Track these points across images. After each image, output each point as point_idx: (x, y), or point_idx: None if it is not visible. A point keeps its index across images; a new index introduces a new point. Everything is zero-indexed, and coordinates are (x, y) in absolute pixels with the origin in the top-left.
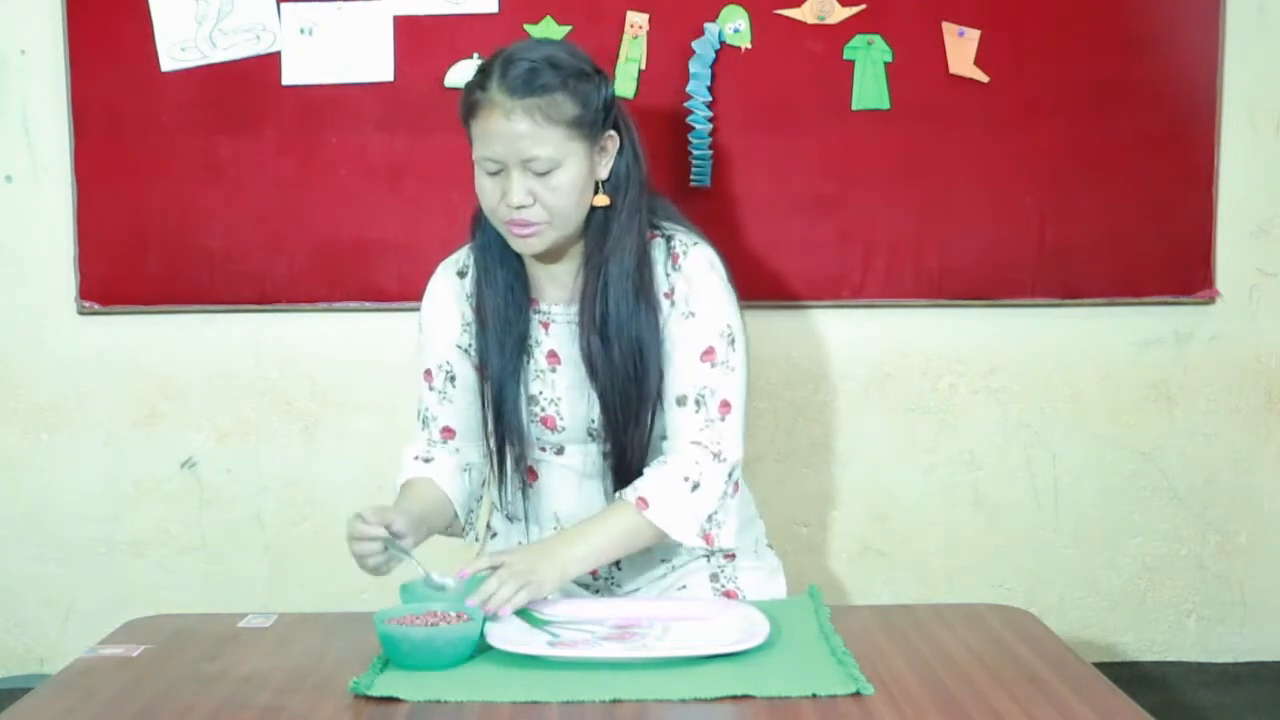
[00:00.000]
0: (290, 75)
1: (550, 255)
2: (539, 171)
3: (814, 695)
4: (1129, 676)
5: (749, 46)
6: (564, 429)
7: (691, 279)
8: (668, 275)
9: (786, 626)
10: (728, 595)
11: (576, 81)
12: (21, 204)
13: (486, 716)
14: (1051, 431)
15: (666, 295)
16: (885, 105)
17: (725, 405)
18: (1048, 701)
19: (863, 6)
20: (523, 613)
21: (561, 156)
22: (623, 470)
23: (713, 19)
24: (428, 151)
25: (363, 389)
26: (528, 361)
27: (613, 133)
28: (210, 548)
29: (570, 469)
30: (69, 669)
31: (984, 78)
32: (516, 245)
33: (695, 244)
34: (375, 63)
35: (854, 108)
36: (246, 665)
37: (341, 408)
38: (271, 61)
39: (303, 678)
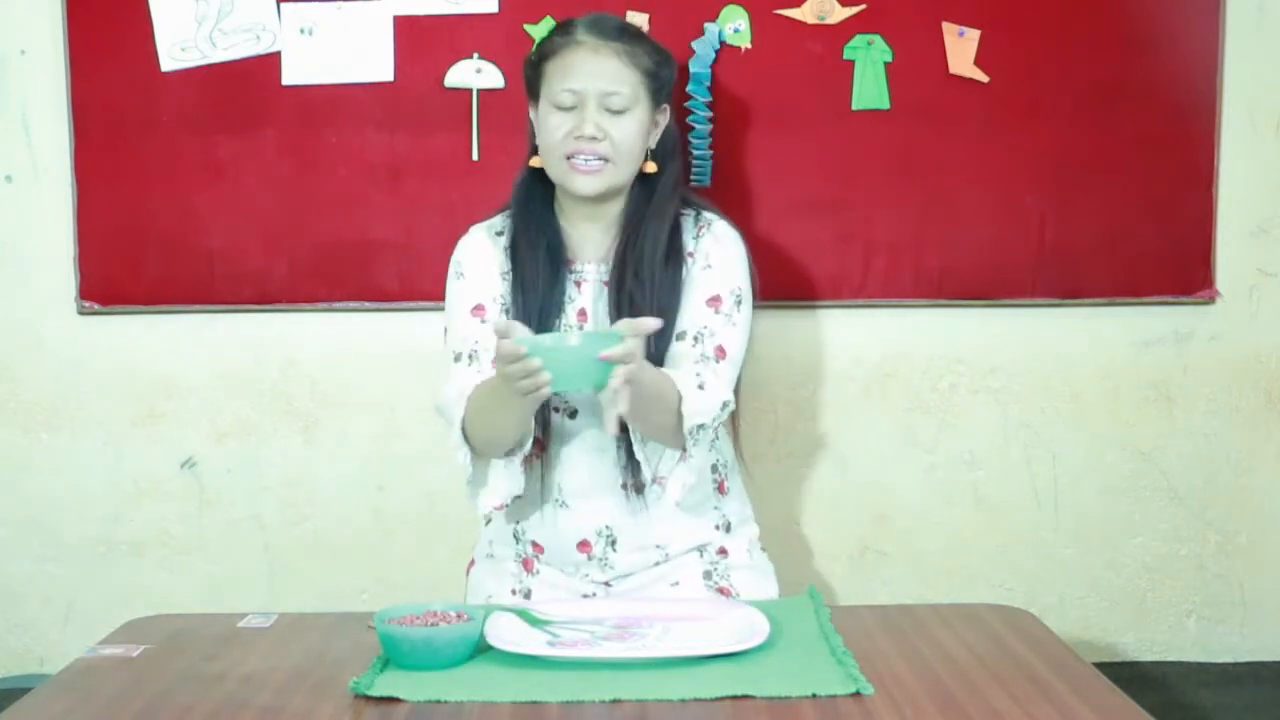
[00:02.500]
0: (290, 75)
1: (588, 214)
2: (613, 109)
3: (814, 695)
4: (1129, 676)
5: (749, 46)
6: (581, 389)
7: (713, 243)
8: (694, 239)
9: (786, 626)
10: (721, 592)
11: (652, 45)
12: (21, 204)
13: (486, 716)
14: (1051, 431)
15: (689, 254)
16: (885, 105)
17: (720, 350)
18: (1048, 701)
19: (863, 6)
20: (522, 613)
21: (633, 102)
22: (622, 433)
23: (713, 19)
24: (428, 151)
25: (363, 389)
26: (559, 318)
27: (666, 107)
28: (210, 548)
29: (581, 439)
30: (69, 669)
31: (984, 78)
32: (575, 182)
33: (721, 219)
34: (375, 63)
35: (854, 108)
36: (246, 665)
37: (341, 408)
38: (271, 61)
39: (303, 678)
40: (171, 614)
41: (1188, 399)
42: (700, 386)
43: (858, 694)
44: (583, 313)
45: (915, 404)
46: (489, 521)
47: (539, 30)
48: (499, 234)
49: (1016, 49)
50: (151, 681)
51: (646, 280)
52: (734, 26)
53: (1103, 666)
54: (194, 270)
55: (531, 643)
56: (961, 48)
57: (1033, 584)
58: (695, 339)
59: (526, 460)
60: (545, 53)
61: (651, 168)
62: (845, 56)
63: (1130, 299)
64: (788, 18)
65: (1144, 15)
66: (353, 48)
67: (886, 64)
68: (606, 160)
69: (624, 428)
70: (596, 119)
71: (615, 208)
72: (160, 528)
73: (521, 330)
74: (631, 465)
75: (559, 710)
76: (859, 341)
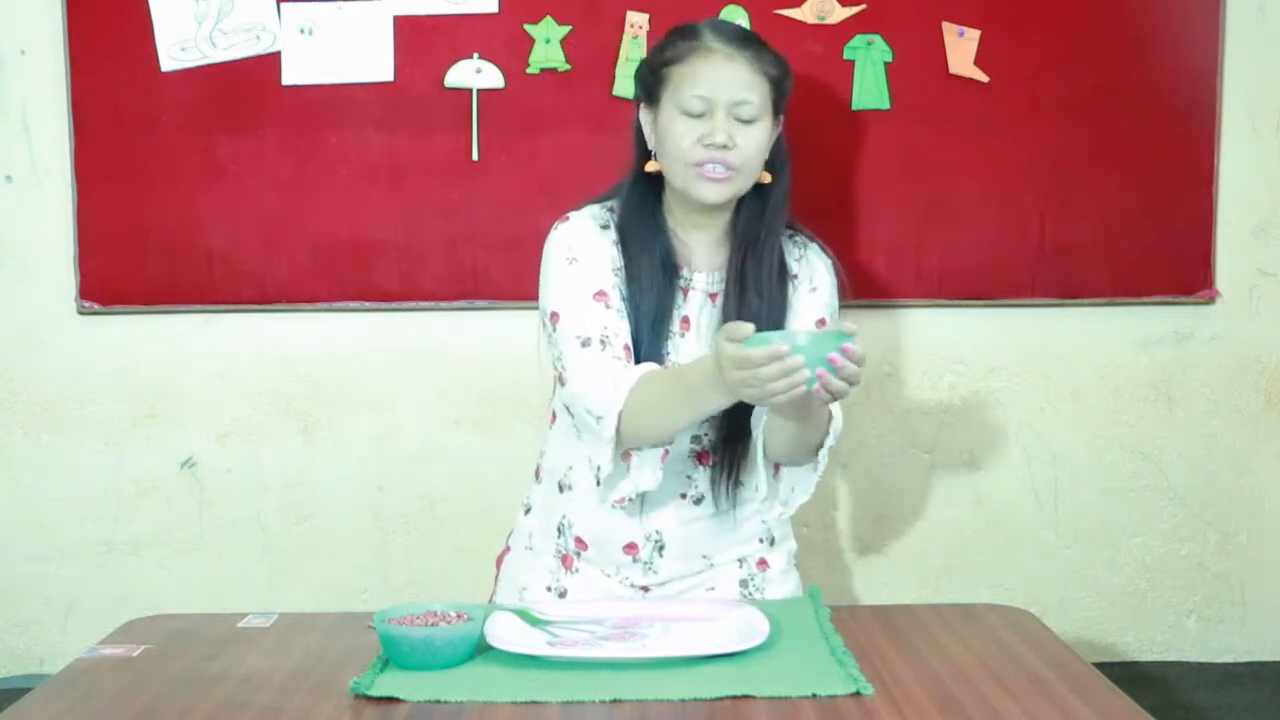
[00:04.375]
0: (290, 75)
1: (699, 222)
2: (743, 118)
3: (814, 695)
4: (1129, 676)
5: None
6: None
7: (816, 266)
8: (796, 261)
9: (786, 626)
10: None
11: (775, 54)
12: (21, 204)
13: (486, 716)
14: (1051, 431)
15: (794, 276)
16: (885, 105)
17: None
18: (1048, 701)
19: (863, 6)
20: (522, 613)
21: (762, 112)
22: (725, 450)
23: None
24: (428, 151)
25: (363, 389)
26: (668, 324)
27: (781, 118)
28: (210, 548)
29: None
30: (69, 669)
31: (984, 78)
32: (701, 190)
33: (814, 241)
34: (375, 63)
35: (854, 108)
36: (246, 665)
37: (341, 408)
38: (271, 61)
39: (303, 678)
40: (171, 614)
41: (1188, 399)
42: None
43: (858, 694)
44: (686, 320)
45: (915, 404)
46: (529, 511)
47: (539, 30)
48: (604, 227)
49: (1016, 49)
50: (151, 681)
51: (765, 295)
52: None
53: (1103, 666)
54: (194, 270)
55: (531, 643)
56: (961, 48)
57: (1033, 584)
58: None
59: None
60: (670, 58)
61: (766, 178)
62: (845, 56)
63: (1130, 299)
64: (788, 18)
65: (1144, 16)
66: (353, 48)
67: (886, 64)
68: (733, 169)
69: (714, 446)
70: (727, 127)
71: (726, 218)
72: (160, 528)
73: (748, 329)
74: (707, 476)
75: (559, 710)
76: (859, 341)
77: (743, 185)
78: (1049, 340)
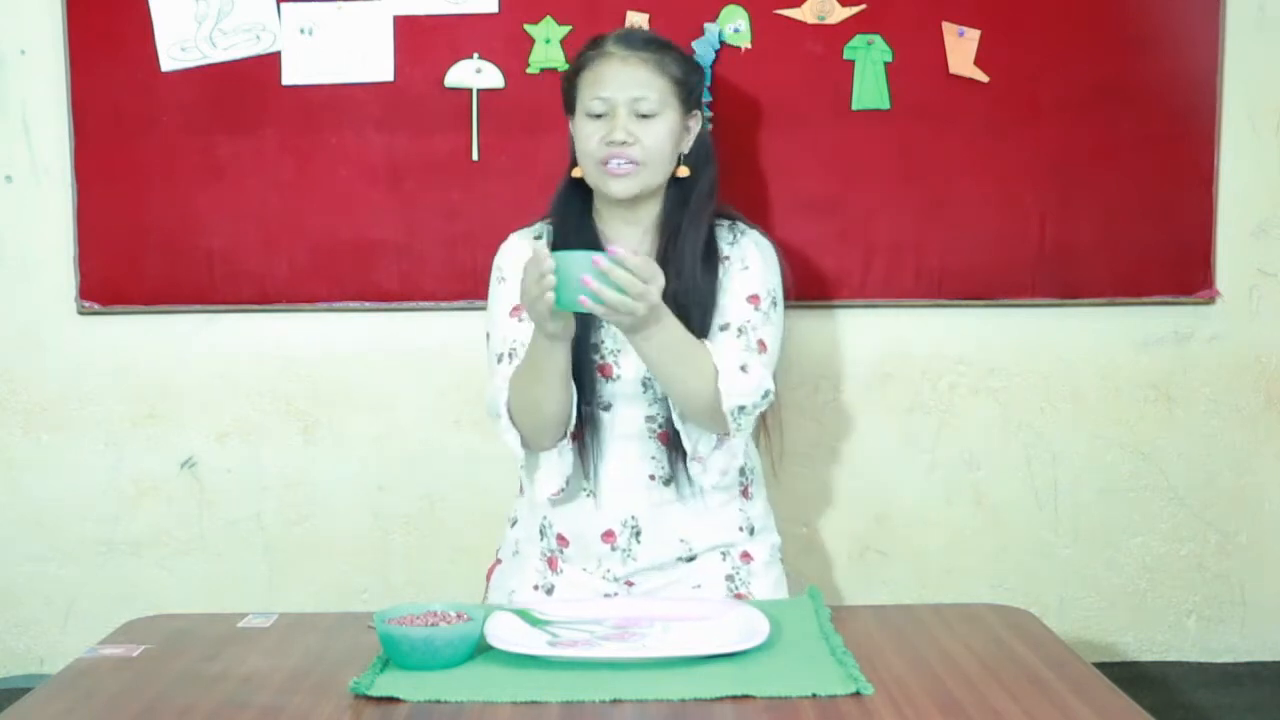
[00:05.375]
0: (290, 75)
1: (625, 217)
2: (642, 113)
3: (814, 695)
4: (1129, 676)
5: (749, 46)
6: (619, 378)
7: (749, 247)
8: (730, 245)
9: (786, 626)
10: (739, 598)
11: (679, 54)
12: (21, 204)
13: (486, 716)
14: (1051, 431)
15: (725, 258)
16: (885, 105)
17: (762, 344)
18: (1048, 701)
19: (863, 6)
20: (522, 613)
21: (662, 107)
22: (669, 426)
23: (713, 19)
24: (428, 151)
25: (363, 389)
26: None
27: (697, 113)
28: (210, 548)
29: (613, 430)
30: (69, 669)
31: (984, 78)
32: (609, 185)
33: (754, 229)
34: (375, 63)
35: (854, 108)
36: (246, 665)
37: (341, 408)
38: (271, 61)
39: (303, 678)
40: (171, 614)
41: (1188, 399)
42: (743, 368)
43: (858, 694)
44: None
45: (915, 404)
46: (515, 524)
47: (539, 30)
48: (538, 238)
49: (1016, 49)
50: (151, 681)
51: (688, 279)
52: (734, 26)
53: (1103, 666)
54: (194, 270)
55: (531, 643)
56: (961, 48)
57: (1033, 584)
58: (739, 331)
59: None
60: (578, 66)
61: (685, 172)
62: (845, 56)
63: (1130, 299)
64: (788, 18)
65: (1144, 15)
66: (353, 48)
67: (886, 64)
68: (638, 164)
69: (651, 418)
70: (627, 124)
71: (651, 211)
72: (160, 528)
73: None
74: (666, 455)
75: (559, 710)
76: (859, 341)
77: (650, 178)
78: (1049, 340)
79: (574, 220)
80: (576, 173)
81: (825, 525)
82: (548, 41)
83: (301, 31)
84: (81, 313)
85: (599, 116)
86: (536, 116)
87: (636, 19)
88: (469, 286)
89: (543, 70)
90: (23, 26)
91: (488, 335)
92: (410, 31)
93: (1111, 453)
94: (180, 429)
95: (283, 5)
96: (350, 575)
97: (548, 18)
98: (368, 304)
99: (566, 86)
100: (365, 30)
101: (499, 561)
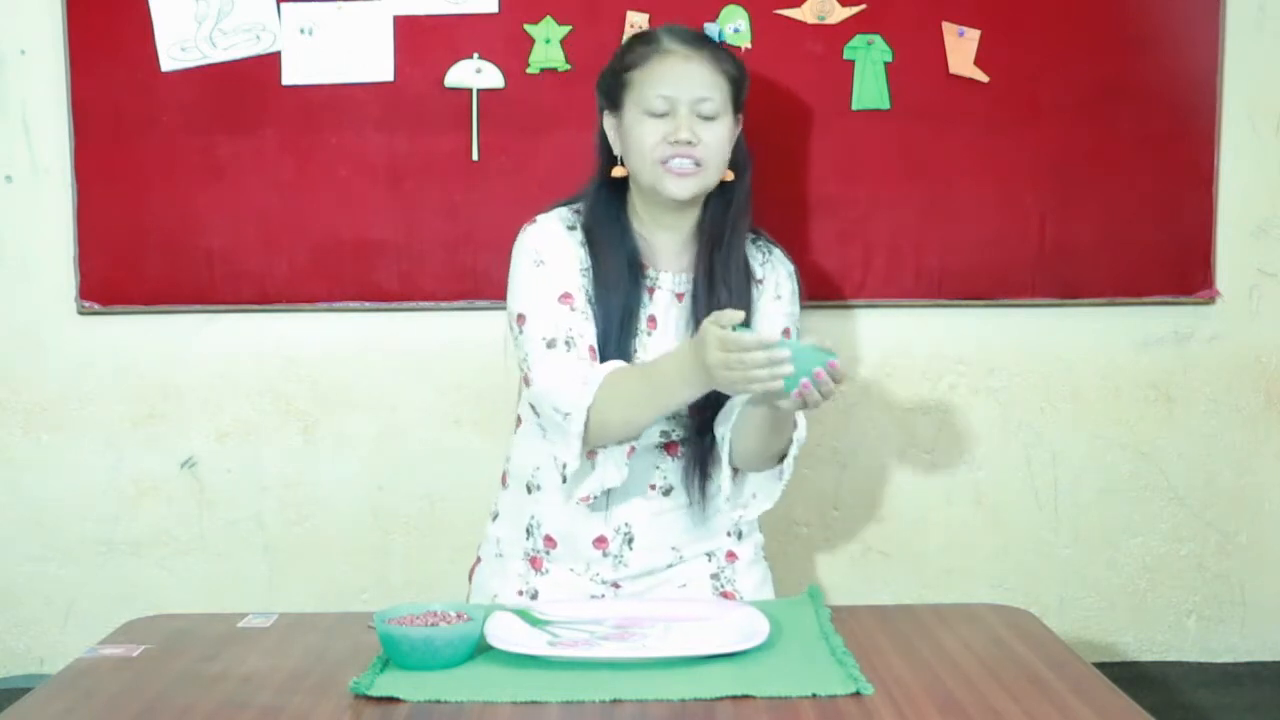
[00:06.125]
0: (290, 75)
1: (665, 222)
2: (704, 115)
3: (814, 695)
4: (1129, 676)
5: (749, 46)
6: None
7: (781, 275)
8: (760, 265)
9: (786, 626)
10: (725, 596)
11: (730, 54)
12: (21, 204)
13: (486, 716)
14: (1051, 431)
15: (758, 280)
16: (885, 105)
17: None
18: (1048, 701)
19: (863, 6)
20: (522, 613)
21: (722, 109)
22: (694, 442)
23: (713, 19)
24: (428, 151)
25: (363, 389)
26: (634, 323)
27: (740, 116)
28: (210, 548)
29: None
30: (69, 669)
31: (984, 78)
32: (669, 186)
33: (777, 247)
34: (375, 63)
35: (854, 108)
36: (246, 665)
37: (341, 408)
38: (271, 61)
39: (303, 678)
40: (171, 614)
41: (1188, 399)
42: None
43: (858, 694)
44: (652, 319)
45: (915, 404)
46: (496, 518)
47: (539, 30)
48: (570, 228)
49: (1016, 49)
50: (151, 681)
51: (734, 290)
52: (734, 26)
53: (1103, 666)
54: (194, 270)
55: (531, 643)
56: (961, 48)
57: (1033, 584)
58: None
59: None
60: (631, 63)
61: (730, 176)
62: (845, 56)
63: (1130, 299)
64: (788, 18)
65: (1144, 15)
66: (353, 48)
67: (886, 64)
68: (700, 164)
69: (683, 438)
70: (690, 124)
71: (691, 218)
72: (160, 528)
73: (738, 316)
74: (678, 468)
75: (559, 710)
76: (859, 341)
77: (709, 181)
78: (1049, 340)
79: (611, 221)
80: (618, 172)
81: (825, 525)
82: (548, 41)
83: (301, 31)
84: (81, 313)
85: (660, 115)
86: (536, 116)
87: (637, 19)
88: (469, 286)
89: (543, 70)
90: (23, 26)
91: (519, 317)
92: (410, 31)
93: (1111, 453)
94: (180, 429)
95: (283, 5)
96: (350, 575)
97: (548, 18)
98: (368, 304)
99: (611, 82)
100: (365, 30)
101: (479, 560)
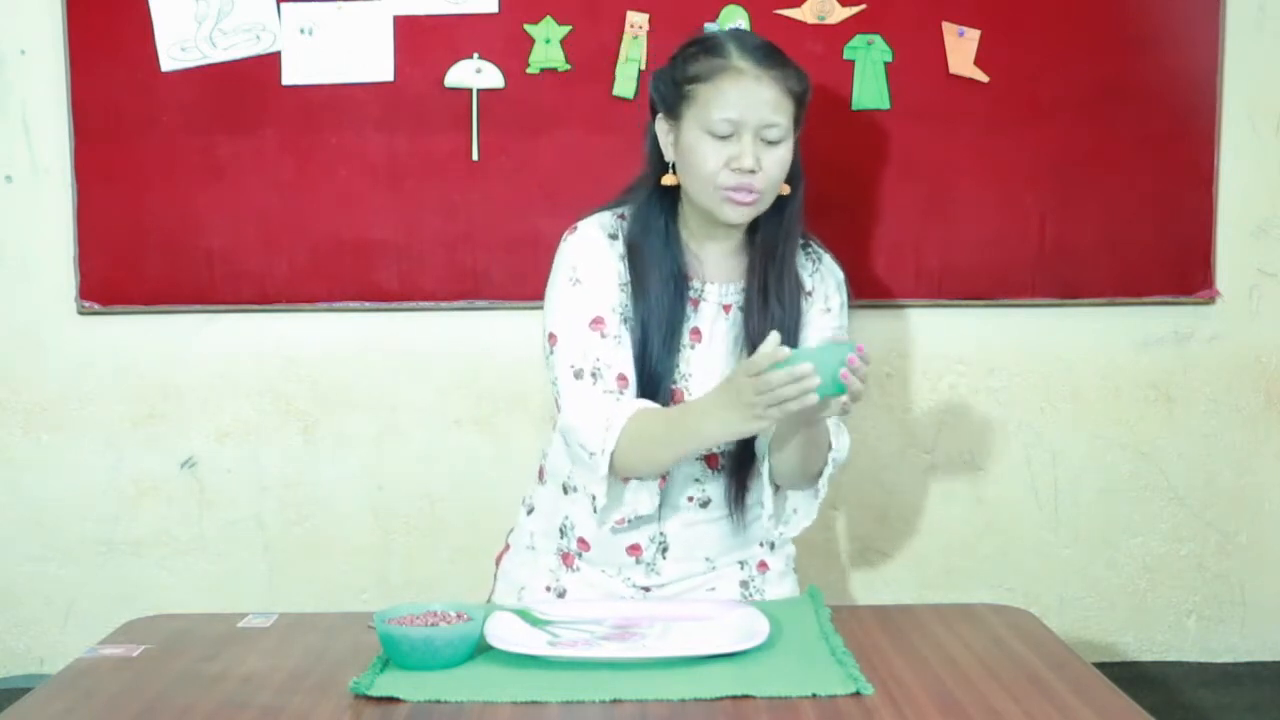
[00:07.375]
0: (290, 75)
1: (715, 234)
2: (769, 140)
3: (814, 695)
4: (1129, 676)
5: None
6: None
7: (830, 286)
8: (810, 275)
9: (786, 626)
10: None
11: (796, 67)
12: (21, 204)
13: (486, 716)
14: (1051, 431)
15: (808, 291)
16: (885, 105)
17: None
18: (1048, 701)
19: (863, 6)
20: (523, 613)
21: (787, 132)
22: (735, 456)
23: (713, 19)
24: (428, 151)
25: (363, 389)
26: (677, 337)
27: (799, 131)
28: (210, 548)
29: None
30: (69, 669)
31: (984, 78)
32: (727, 213)
33: (827, 253)
34: (375, 63)
35: (854, 108)
36: (246, 665)
37: (341, 408)
38: (271, 61)
39: (303, 678)
40: (171, 614)
41: (1188, 399)
42: (839, 424)
43: (858, 694)
44: (696, 332)
45: (915, 404)
46: (531, 511)
47: (539, 30)
48: (612, 236)
49: (1016, 49)
50: (151, 681)
51: (787, 305)
52: (734, 26)
53: (1103, 666)
54: (194, 270)
55: (531, 643)
56: (961, 48)
57: (1033, 584)
58: None
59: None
60: (695, 75)
61: (785, 190)
62: (845, 56)
63: (1130, 299)
64: (788, 18)
65: (1144, 15)
66: (353, 48)
67: (886, 64)
68: (758, 193)
69: (724, 451)
70: (754, 150)
71: (742, 230)
72: (160, 528)
73: (784, 353)
74: (721, 482)
75: (559, 710)
76: (859, 341)
77: (764, 205)
78: (1049, 340)
79: (657, 231)
80: (669, 180)
81: (825, 525)
82: (548, 41)
83: (301, 31)
84: (81, 313)
85: (723, 138)
86: (536, 116)
87: (637, 19)
88: (469, 286)
89: (543, 70)
90: (23, 26)
91: (551, 336)
92: (410, 31)
93: (1111, 453)
94: (180, 429)
95: (283, 5)
96: (350, 575)
97: (548, 18)
98: (368, 304)
99: (670, 91)
100: (365, 30)
101: (508, 548)
